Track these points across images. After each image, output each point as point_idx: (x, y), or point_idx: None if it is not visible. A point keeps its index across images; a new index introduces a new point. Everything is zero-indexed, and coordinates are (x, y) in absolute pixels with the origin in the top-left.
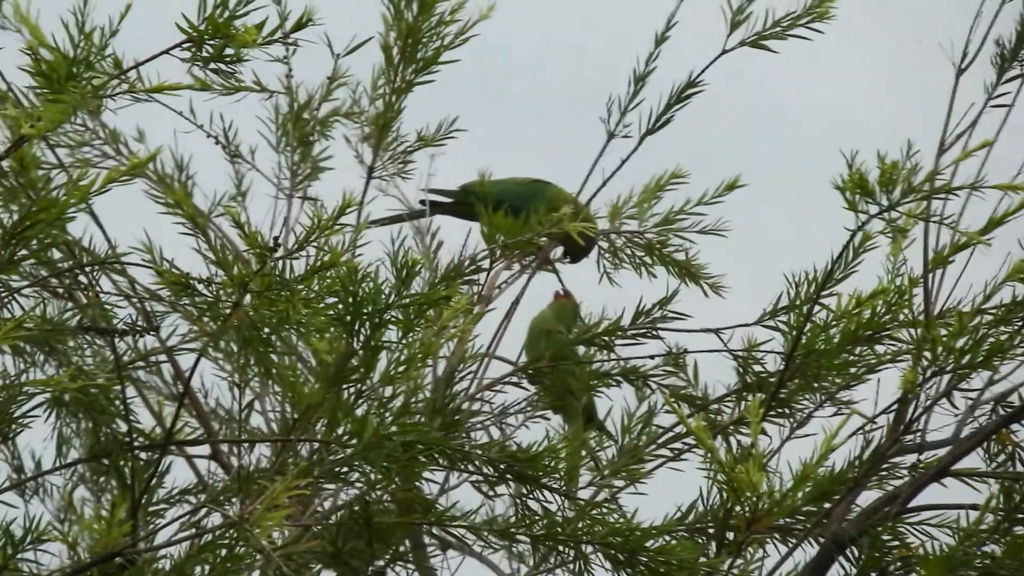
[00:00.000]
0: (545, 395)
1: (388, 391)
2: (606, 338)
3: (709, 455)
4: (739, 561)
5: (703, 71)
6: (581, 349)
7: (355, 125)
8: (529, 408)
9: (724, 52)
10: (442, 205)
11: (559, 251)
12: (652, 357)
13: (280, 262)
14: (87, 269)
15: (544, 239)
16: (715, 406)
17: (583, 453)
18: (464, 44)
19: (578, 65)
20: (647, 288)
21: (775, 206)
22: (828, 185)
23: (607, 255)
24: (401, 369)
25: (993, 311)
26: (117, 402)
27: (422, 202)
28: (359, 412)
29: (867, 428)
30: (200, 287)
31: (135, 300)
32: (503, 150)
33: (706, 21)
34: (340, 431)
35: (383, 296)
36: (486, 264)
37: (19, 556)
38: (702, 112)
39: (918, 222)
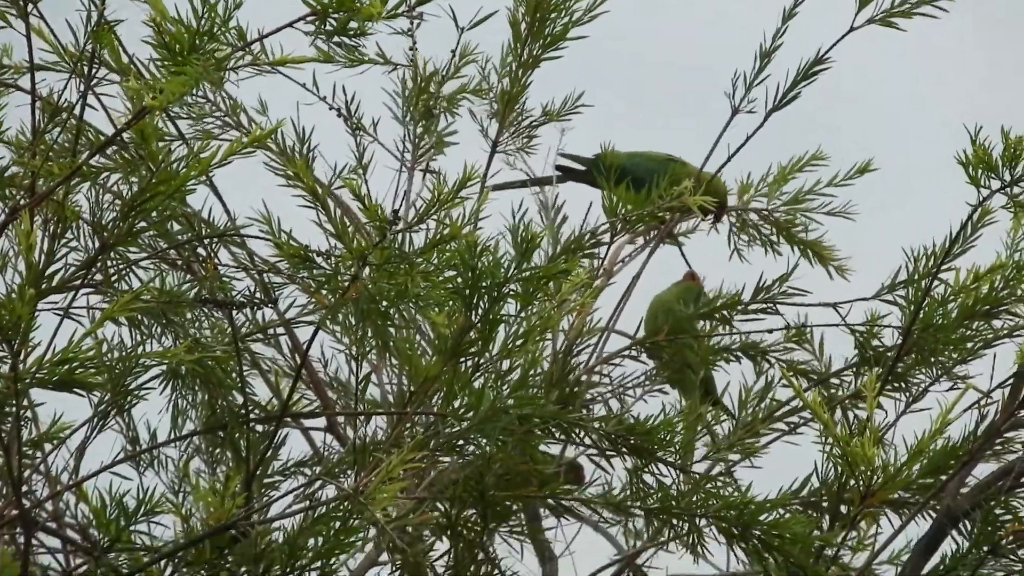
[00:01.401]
0: (663, 369)
1: (505, 364)
2: (725, 312)
3: (825, 429)
4: (852, 535)
5: (830, 48)
6: (700, 324)
7: (483, 101)
8: (647, 382)
9: (852, 29)
10: (575, 172)
11: (684, 225)
12: (771, 331)
13: (399, 235)
14: (206, 241)
15: (667, 213)
16: (833, 380)
17: (699, 427)
18: (592, 21)
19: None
20: (772, 267)
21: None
22: (948, 164)
23: (736, 230)
24: (519, 342)
25: None
26: (234, 374)
27: (557, 167)
28: (476, 385)
29: (982, 403)
30: (319, 259)
31: (253, 272)
32: (629, 125)
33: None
34: (456, 404)
35: (502, 269)
36: (607, 238)
37: (132, 528)
38: (826, 92)
39: None
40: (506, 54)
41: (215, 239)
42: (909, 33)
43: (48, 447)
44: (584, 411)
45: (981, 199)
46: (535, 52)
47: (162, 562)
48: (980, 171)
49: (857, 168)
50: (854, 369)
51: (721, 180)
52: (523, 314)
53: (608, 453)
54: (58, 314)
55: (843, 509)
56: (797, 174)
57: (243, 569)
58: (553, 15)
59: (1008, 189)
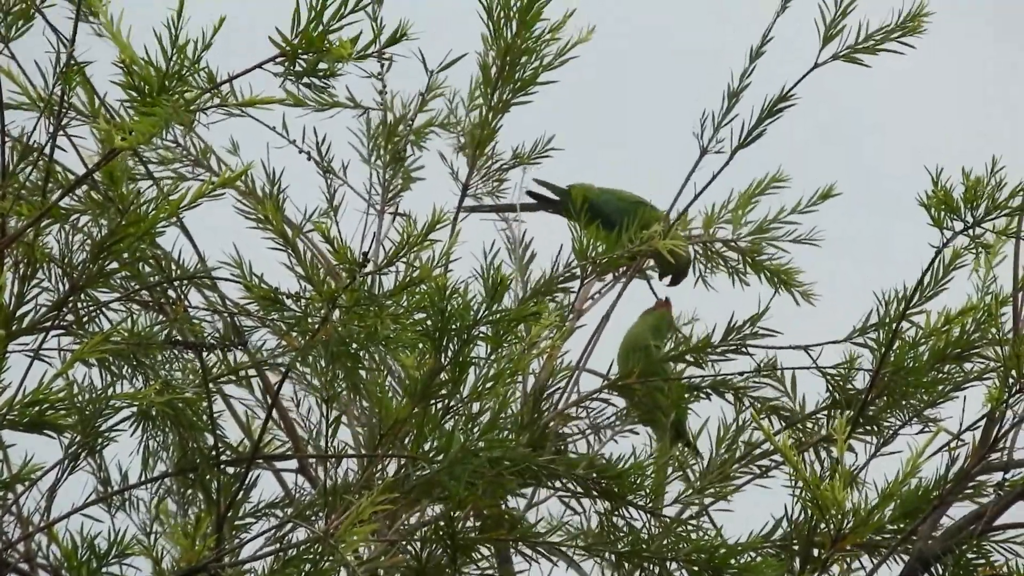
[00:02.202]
0: (634, 409)
1: (476, 407)
2: (696, 355)
3: (795, 472)
4: None
5: (795, 85)
6: (671, 366)
7: (450, 136)
8: (618, 422)
9: (816, 66)
10: (546, 201)
11: (652, 264)
12: (743, 374)
13: (369, 277)
14: (176, 283)
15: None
16: (804, 422)
17: (670, 469)
18: (563, 65)
19: (673, 78)
20: (740, 296)
21: (865, 218)
22: (915, 201)
23: (702, 259)
24: (489, 385)
25: None
26: (204, 416)
27: (529, 193)
28: (446, 427)
29: (953, 445)
30: (289, 302)
31: (224, 314)
32: (596, 164)
33: (799, 35)
34: (427, 446)
35: (472, 312)
36: (578, 277)
37: (104, 570)
38: (793, 125)
39: (1006, 239)
40: (474, 88)
41: (185, 281)
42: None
43: (19, 488)
44: (559, 449)
45: (944, 241)
46: (505, 96)
47: None
48: (942, 213)
49: (820, 194)
50: (826, 411)
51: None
52: (493, 356)
53: (579, 495)
54: (28, 356)
55: (815, 552)
56: (760, 198)
57: None
58: (523, 59)
59: (971, 230)
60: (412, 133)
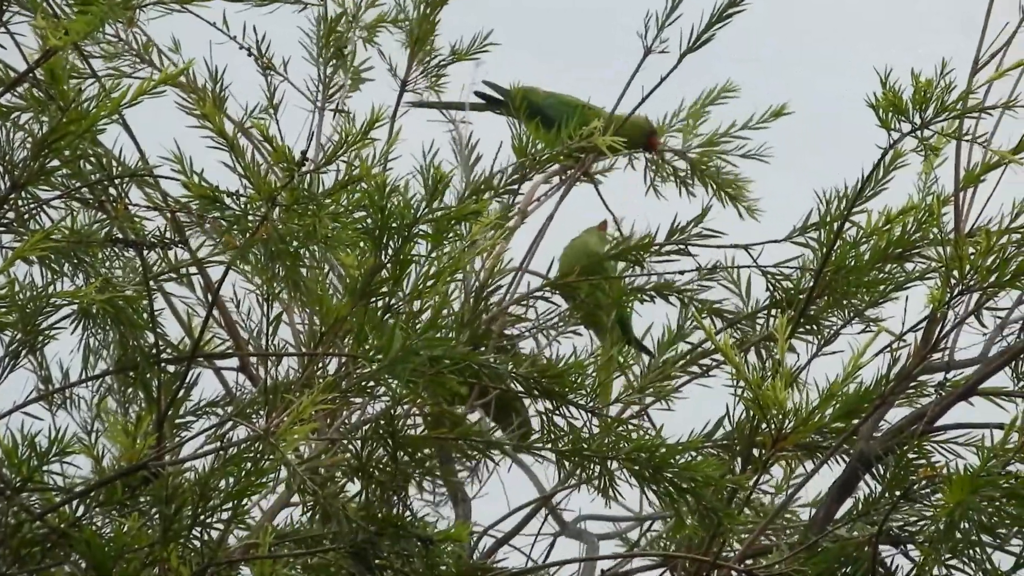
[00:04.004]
0: (576, 309)
1: (416, 305)
2: (638, 253)
3: (736, 372)
4: (765, 478)
5: None
6: (614, 265)
7: (401, 32)
8: (561, 323)
9: None
10: (495, 101)
11: (600, 164)
12: (683, 272)
13: (309, 176)
14: (117, 180)
15: (582, 153)
16: (747, 322)
17: (613, 369)
18: None
19: None
20: (687, 208)
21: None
22: (860, 109)
23: (652, 168)
24: (430, 283)
25: (1022, 230)
26: (145, 314)
27: (477, 93)
28: (387, 326)
29: (895, 346)
30: (228, 200)
31: (164, 212)
32: (541, 65)
33: None
34: (367, 345)
35: (412, 210)
36: (522, 178)
37: (44, 468)
38: (742, 38)
39: (950, 141)
40: None
41: (127, 178)
42: None
43: None
44: (501, 348)
45: (891, 142)
46: None
47: (74, 502)
48: (890, 114)
49: (772, 111)
50: (766, 311)
51: (639, 116)
52: (434, 255)
53: (520, 394)
54: None
55: (755, 452)
56: (710, 107)
57: (154, 509)
58: None
59: (919, 132)
60: (364, 29)
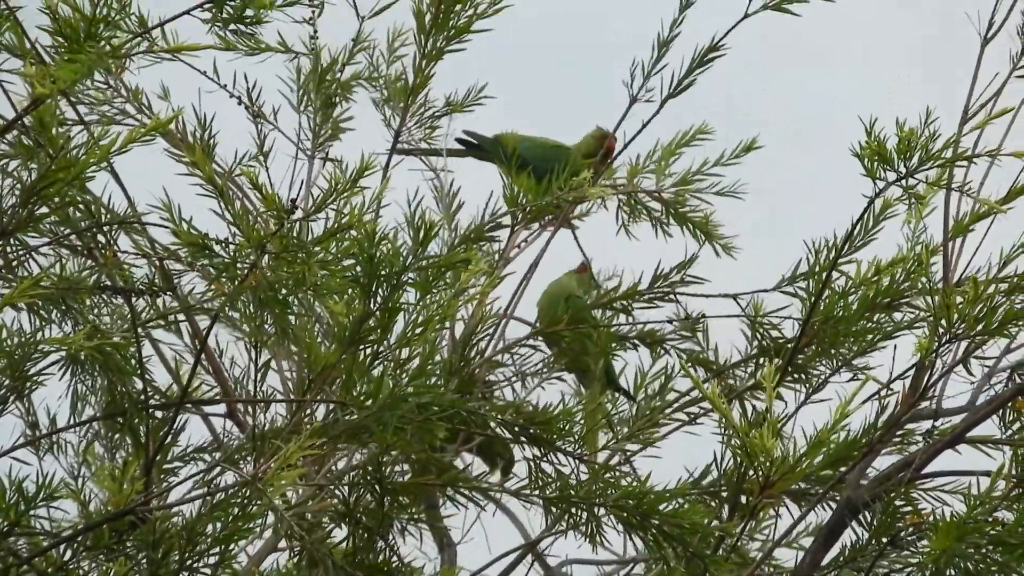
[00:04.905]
0: (561, 357)
1: (405, 352)
2: (624, 302)
3: (723, 420)
4: (752, 525)
5: (725, 35)
6: (598, 312)
7: (374, 90)
8: (545, 369)
9: (747, 16)
10: (475, 148)
11: (579, 209)
12: (670, 321)
13: (299, 224)
14: (106, 228)
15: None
16: (732, 371)
17: (599, 416)
18: (496, 14)
19: (602, 31)
20: (664, 248)
21: (796, 173)
22: (848, 153)
23: (626, 209)
24: (418, 331)
25: (1009, 279)
26: (133, 360)
27: (458, 140)
28: (375, 373)
29: (882, 394)
30: (217, 248)
31: (153, 259)
32: (526, 115)
33: None
34: (356, 392)
35: (400, 258)
36: (507, 224)
37: (32, 513)
38: (723, 80)
39: (938, 190)
40: (392, 39)
41: (115, 226)
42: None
43: None
44: (486, 396)
45: (876, 191)
46: (439, 44)
47: (61, 546)
48: (875, 163)
49: (743, 146)
50: (754, 360)
51: (590, 129)
52: (422, 303)
53: (507, 441)
54: None
55: (743, 499)
56: (684, 150)
57: (142, 554)
58: (457, 7)
59: (904, 181)
60: (340, 86)
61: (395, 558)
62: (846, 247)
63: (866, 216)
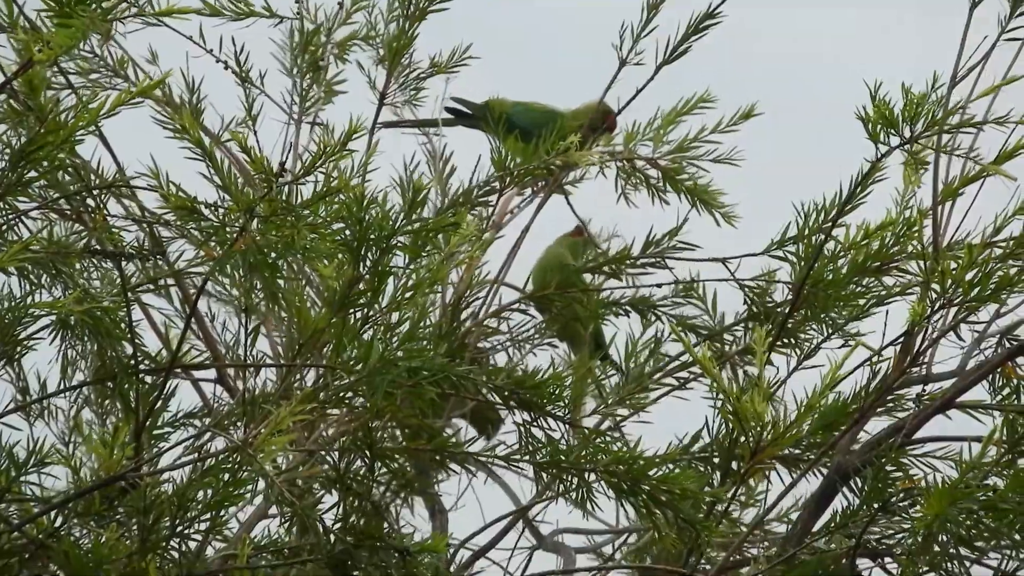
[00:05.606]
0: (552, 322)
1: (394, 317)
2: (614, 266)
3: (714, 384)
4: (743, 491)
5: (722, 2)
6: (589, 277)
7: (371, 49)
8: (536, 335)
9: None
10: (464, 116)
11: (572, 175)
12: (660, 286)
13: (287, 187)
14: (95, 192)
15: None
16: (723, 336)
17: (589, 381)
18: None
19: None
20: (659, 214)
21: (788, 140)
22: (837, 118)
23: (623, 176)
24: (408, 295)
25: (1002, 244)
26: (123, 325)
27: (447, 109)
28: (365, 337)
29: (873, 360)
30: (206, 211)
31: (142, 223)
32: (516, 78)
33: None
34: (345, 356)
35: (390, 222)
36: (496, 191)
37: (22, 479)
38: (717, 49)
39: (931, 153)
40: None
41: (104, 190)
42: None
43: None
44: (477, 360)
45: (880, 155)
46: (422, 4)
47: (52, 512)
48: (880, 127)
49: (741, 113)
50: (744, 325)
51: (592, 101)
52: (412, 266)
53: (497, 405)
54: None
55: (734, 465)
56: (685, 117)
57: (132, 520)
58: None
59: (908, 146)
60: (335, 46)
61: (386, 524)
62: (838, 211)
63: (859, 180)
